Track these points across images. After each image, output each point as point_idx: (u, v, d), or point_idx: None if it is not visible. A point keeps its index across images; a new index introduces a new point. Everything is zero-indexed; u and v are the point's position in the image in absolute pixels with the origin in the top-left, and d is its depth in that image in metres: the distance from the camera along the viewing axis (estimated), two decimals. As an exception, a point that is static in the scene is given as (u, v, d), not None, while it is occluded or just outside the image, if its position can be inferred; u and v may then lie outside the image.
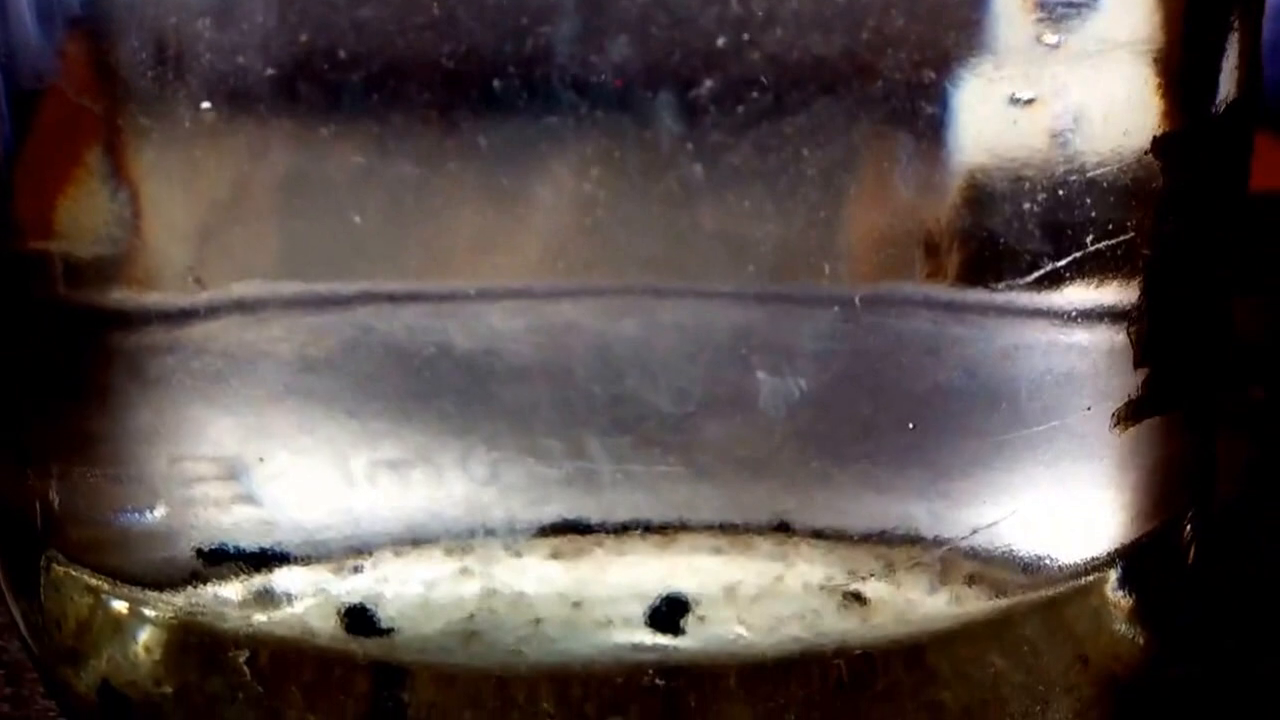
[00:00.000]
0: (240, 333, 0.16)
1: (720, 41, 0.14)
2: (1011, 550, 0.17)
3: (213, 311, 0.16)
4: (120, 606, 0.17)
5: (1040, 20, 0.15)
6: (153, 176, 0.16)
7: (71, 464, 0.17)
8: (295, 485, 0.16)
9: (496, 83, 0.14)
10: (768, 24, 0.15)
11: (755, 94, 0.15)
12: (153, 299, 0.16)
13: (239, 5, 0.15)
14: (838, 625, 0.16)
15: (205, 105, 0.15)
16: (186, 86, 0.15)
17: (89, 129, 0.16)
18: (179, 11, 0.15)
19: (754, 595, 0.16)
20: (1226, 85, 0.17)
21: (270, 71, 0.15)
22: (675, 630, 0.16)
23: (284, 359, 0.16)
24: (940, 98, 0.15)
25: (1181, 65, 0.16)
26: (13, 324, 0.18)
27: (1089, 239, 0.16)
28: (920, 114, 0.15)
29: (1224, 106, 0.17)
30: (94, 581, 0.18)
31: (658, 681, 0.16)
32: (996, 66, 0.15)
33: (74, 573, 0.18)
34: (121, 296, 0.16)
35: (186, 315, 0.16)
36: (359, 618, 0.16)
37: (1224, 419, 0.19)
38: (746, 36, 0.14)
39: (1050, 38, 0.15)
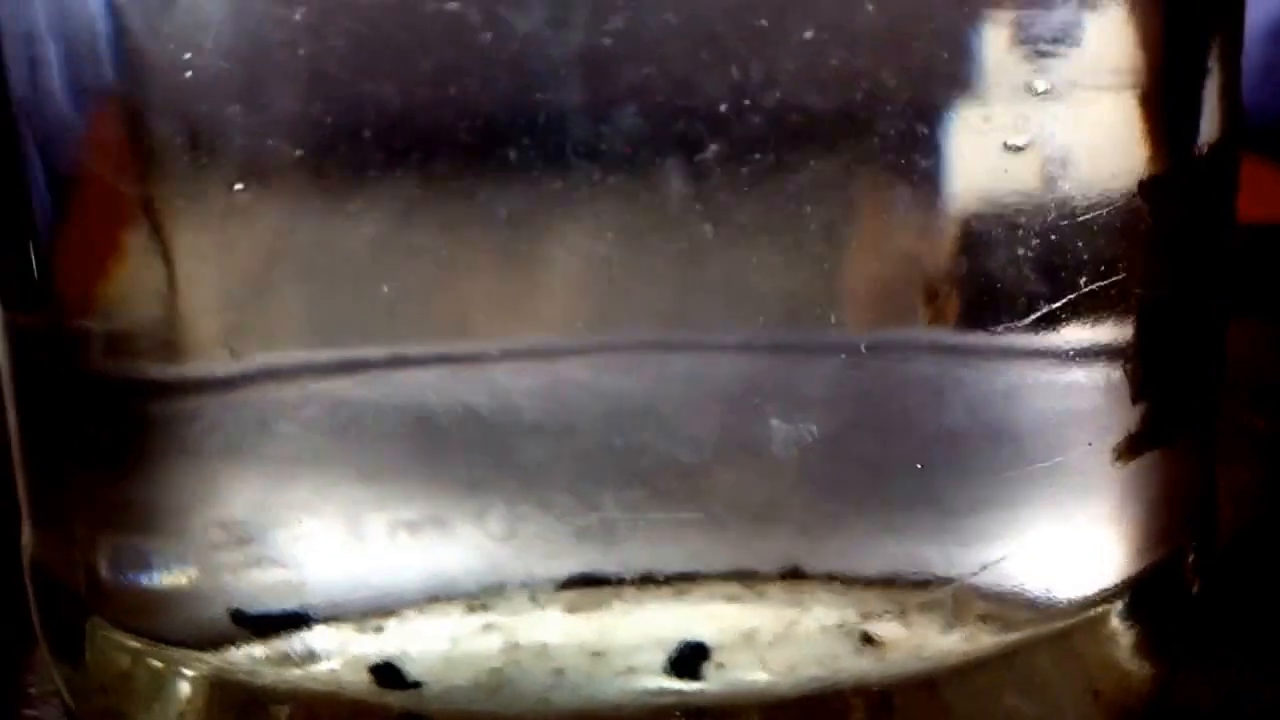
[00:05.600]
0: (268, 400, 0.16)
1: (722, 105, 0.15)
2: (1020, 586, 0.17)
3: (243, 380, 0.16)
4: (159, 666, 0.18)
5: (1027, 67, 0.16)
6: (187, 252, 0.16)
7: (112, 532, 0.18)
8: (320, 547, 0.16)
9: (511, 152, 0.15)
10: (767, 86, 0.15)
11: (757, 154, 0.15)
12: (188, 370, 0.17)
13: (266, 86, 0.15)
14: (854, 665, 0.17)
15: (237, 184, 0.15)
16: (218, 165, 0.15)
17: (125, 210, 0.16)
18: (208, 92, 0.15)
19: (771, 640, 0.17)
20: (1209, 125, 0.17)
21: (297, 149, 0.15)
22: (695, 676, 0.16)
23: (308, 424, 0.16)
24: (934, 149, 0.15)
25: (1164, 107, 0.17)
26: (54, 397, 0.18)
27: (1083, 280, 0.16)
28: (915, 166, 0.15)
29: (1207, 146, 0.17)
30: (134, 644, 0.18)
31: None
32: (987, 116, 0.16)
33: (115, 636, 0.18)
34: (157, 369, 0.17)
35: (219, 384, 0.16)
36: (387, 673, 0.17)
37: (1226, 449, 0.19)
38: (747, 100, 0.15)
39: (1039, 85, 0.16)
